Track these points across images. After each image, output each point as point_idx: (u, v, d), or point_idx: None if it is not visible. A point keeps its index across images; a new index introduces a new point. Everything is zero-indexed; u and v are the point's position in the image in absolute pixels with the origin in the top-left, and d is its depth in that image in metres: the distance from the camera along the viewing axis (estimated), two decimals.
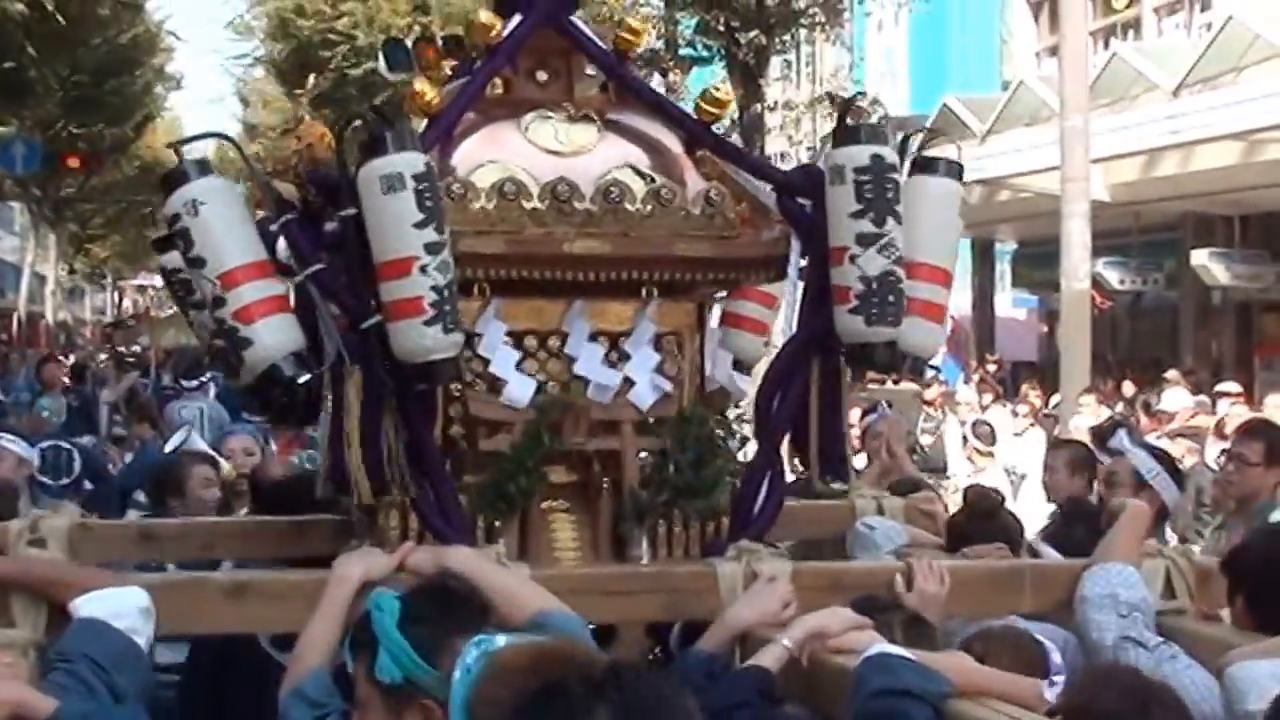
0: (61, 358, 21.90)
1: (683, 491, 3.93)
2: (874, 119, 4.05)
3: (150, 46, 37.15)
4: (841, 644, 3.25)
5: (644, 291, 3.95)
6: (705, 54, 21.36)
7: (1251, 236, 18.47)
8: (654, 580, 3.83)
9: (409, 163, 3.45)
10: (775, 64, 21.21)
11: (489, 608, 3.18)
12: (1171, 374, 16.55)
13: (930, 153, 3.98)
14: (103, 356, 25.12)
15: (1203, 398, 14.05)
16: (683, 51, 21.69)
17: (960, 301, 26.40)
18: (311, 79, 26.02)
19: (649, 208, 3.88)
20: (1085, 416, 13.02)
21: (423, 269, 3.44)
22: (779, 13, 20.41)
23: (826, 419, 3.97)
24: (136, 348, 26.92)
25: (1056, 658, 3.47)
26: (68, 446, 9.82)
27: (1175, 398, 14.54)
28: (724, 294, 4.51)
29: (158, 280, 48.45)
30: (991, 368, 21.09)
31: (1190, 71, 15.88)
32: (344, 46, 26.66)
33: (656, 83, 21.85)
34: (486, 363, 3.89)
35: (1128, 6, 21.63)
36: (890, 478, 5.98)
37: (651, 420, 3.98)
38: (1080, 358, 14.86)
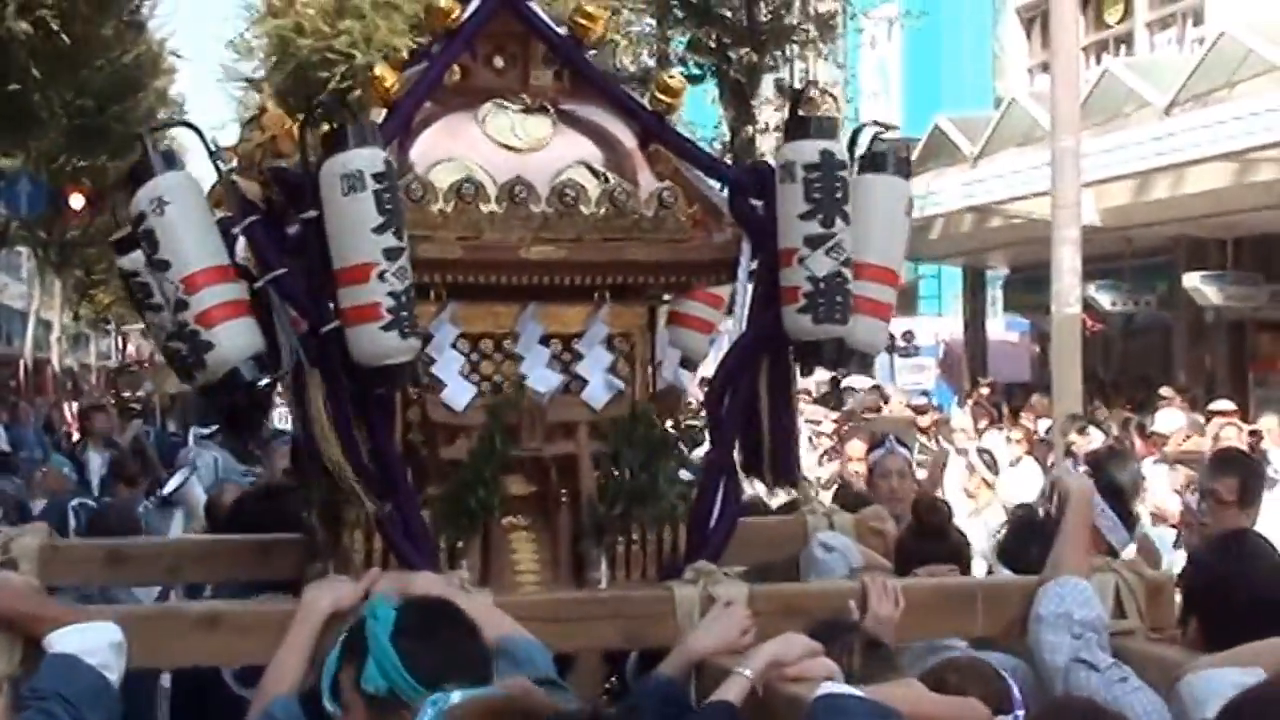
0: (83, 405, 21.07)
1: (635, 498, 3.90)
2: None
3: (153, 68, 37.14)
4: (798, 672, 3.20)
5: (597, 295, 3.94)
6: (697, 71, 21.39)
7: (1244, 259, 18.48)
8: (612, 606, 3.79)
9: (369, 160, 3.44)
10: (767, 84, 21.23)
11: (477, 626, 3.19)
12: (1166, 391, 16.50)
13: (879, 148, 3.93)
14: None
15: (1196, 417, 13.94)
16: (675, 69, 21.68)
17: (952, 327, 26.45)
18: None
19: (603, 210, 3.87)
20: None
21: (381, 275, 3.45)
22: (771, 29, 20.41)
23: (777, 419, 3.96)
24: (141, 393, 26.86)
25: (1016, 693, 3.46)
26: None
27: (1169, 418, 14.44)
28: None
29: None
30: (985, 390, 21.01)
31: (1182, 88, 15.83)
32: (342, 66, 26.68)
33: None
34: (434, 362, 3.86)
35: (1120, 21, 21.64)
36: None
37: (605, 422, 3.96)
38: (1071, 383, 14.78)
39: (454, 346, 3.88)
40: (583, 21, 4.08)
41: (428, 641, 3.04)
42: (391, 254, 3.45)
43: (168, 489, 7.80)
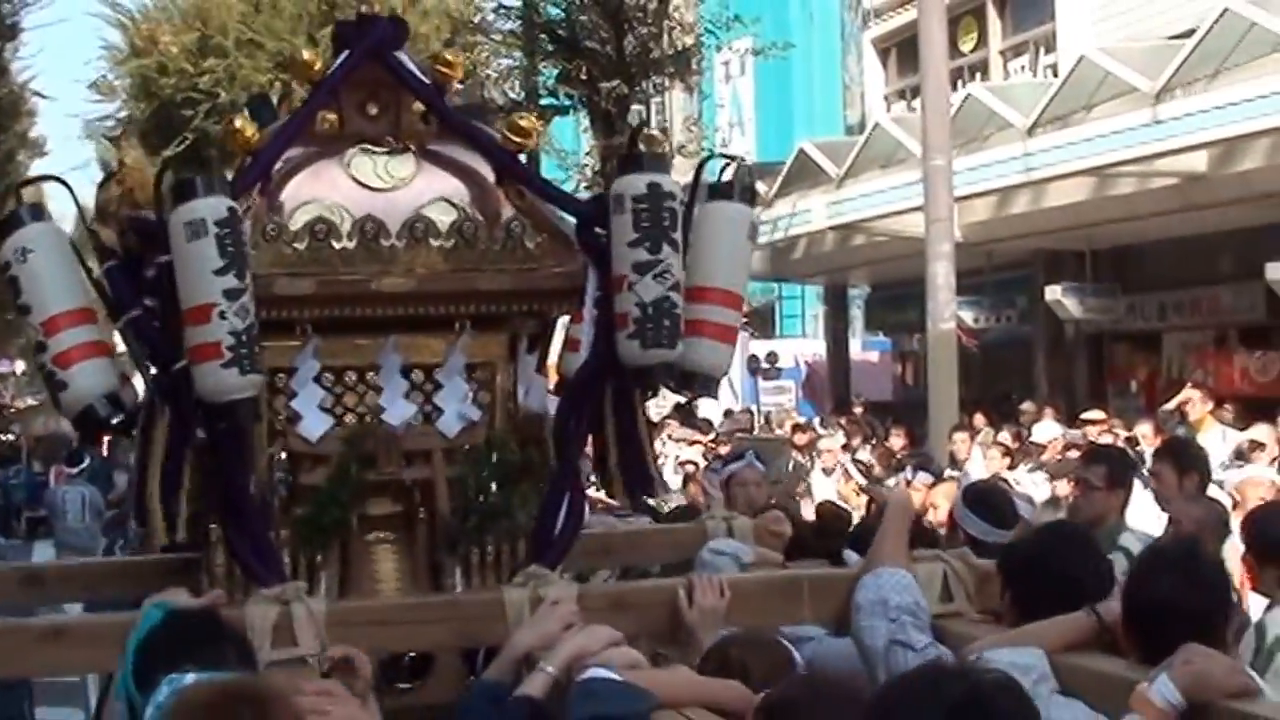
0: None
1: (488, 515, 4.09)
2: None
3: (14, 110, 36.51)
4: (601, 662, 3.35)
5: (456, 325, 4.10)
6: (567, 103, 21.53)
7: (1102, 270, 18.99)
8: (445, 609, 3.98)
9: (212, 208, 3.62)
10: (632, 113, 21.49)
11: (237, 646, 3.27)
12: (1027, 405, 16.92)
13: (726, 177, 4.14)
14: None
15: (1073, 431, 14.26)
16: (544, 101, 21.84)
17: (814, 348, 26.89)
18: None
19: (452, 243, 4.05)
20: (977, 462, 13.28)
21: (221, 314, 3.62)
22: (639, 62, 20.61)
23: (625, 440, 4.16)
24: (9, 437, 26.64)
25: (798, 657, 3.71)
26: None
27: (1046, 429, 14.78)
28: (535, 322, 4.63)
29: (19, 366, 47.53)
30: (859, 410, 21.38)
31: (1045, 110, 16.32)
32: (206, 105, 26.54)
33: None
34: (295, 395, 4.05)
35: (974, 49, 22.20)
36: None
37: (463, 448, 4.15)
38: (948, 398, 15.10)
39: (317, 380, 4.06)
40: (443, 69, 4.27)
41: (165, 652, 3.09)
42: (232, 294, 3.62)
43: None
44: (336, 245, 3.97)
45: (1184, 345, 18.84)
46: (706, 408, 24.61)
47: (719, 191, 4.13)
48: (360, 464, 4.02)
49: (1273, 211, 14.98)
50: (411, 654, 4.04)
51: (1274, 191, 14.40)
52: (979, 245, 17.77)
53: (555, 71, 21.62)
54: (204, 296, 3.62)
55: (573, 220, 4.16)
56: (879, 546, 4.10)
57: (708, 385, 4.16)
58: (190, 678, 2.76)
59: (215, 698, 2.54)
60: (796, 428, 17.62)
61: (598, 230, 4.03)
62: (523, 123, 4.23)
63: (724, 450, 16.64)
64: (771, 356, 25.82)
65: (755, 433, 19.71)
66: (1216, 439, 11.57)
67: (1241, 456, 10.49)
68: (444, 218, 4.09)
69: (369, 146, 4.19)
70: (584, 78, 20.69)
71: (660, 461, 14.47)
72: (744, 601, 4.03)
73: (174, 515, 3.81)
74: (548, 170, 21.17)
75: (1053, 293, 18.49)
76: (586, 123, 21.86)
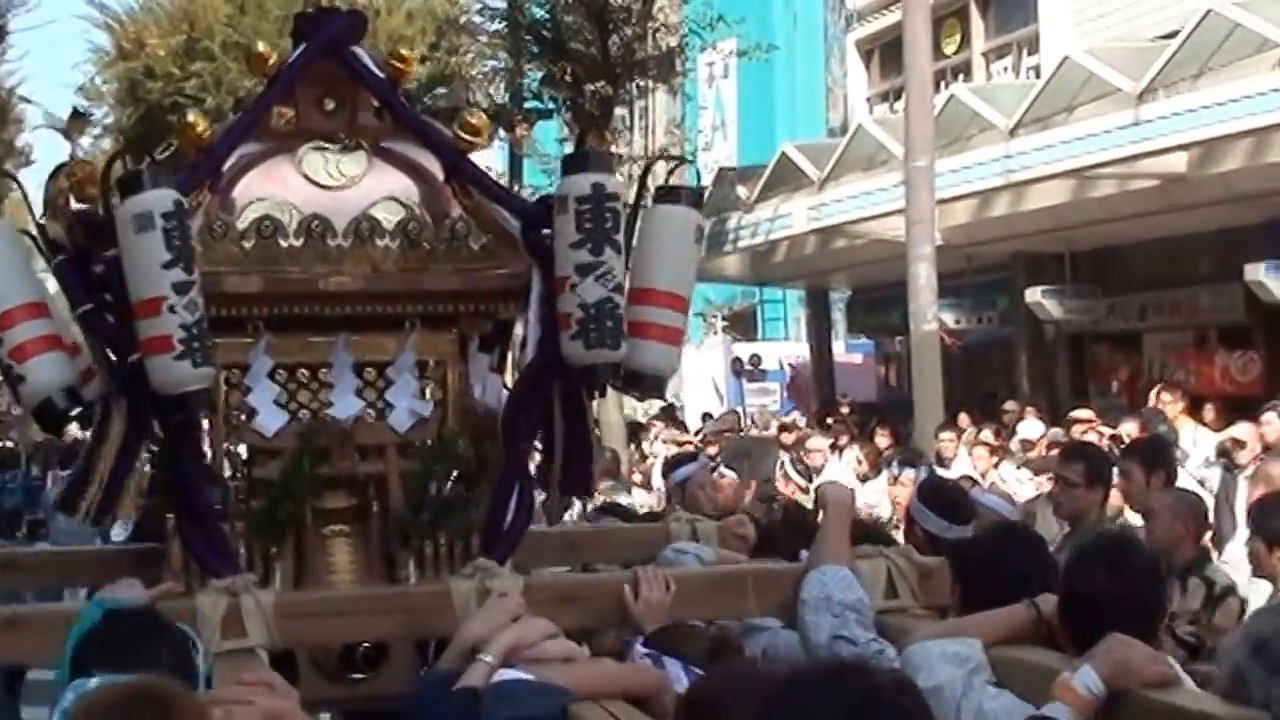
0: None
1: (442, 511, 4.15)
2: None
3: (2, 118, 36.46)
4: (537, 654, 3.43)
5: (406, 323, 4.15)
6: (551, 105, 21.52)
7: (1081, 272, 19.00)
8: (394, 601, 4.05)
9: (159, 201, 3.67)
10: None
11: (173, 646, 3.28)
12: (1009, 405, 16.94)
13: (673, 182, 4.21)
14: None
15: (1057, 430, 14.27)
16: (529, 104, 21.83)
17: (797, 350, 26.93)
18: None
19: (397, 243, 4.11)
20: (963, 461, 13.32)
21: (171, 308, 3.68)
22: (624, 63, 20.60)
23: (572, 436, 4.20)
24: (7, 443, 26.87)
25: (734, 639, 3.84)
26: None
27: (1031, 428, 14.80)
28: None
29: None
30: (845, 410, 21.37)
31: (1027, 111, 16.33)
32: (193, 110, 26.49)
33: (501, 138, 21.95)
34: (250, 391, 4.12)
35: (957, 51, 22.23)
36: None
37: (418, 444, 4.21)
38: (932, 399, 15.07)
39: (270, 376, 4.12)
40: (398, 64, 4.31)
41: (101, 648, 3.15)
42: (180, 288, 3.69)
43: None
44: (283, 243, 4.04)
45: (1164, 345, 18.87)
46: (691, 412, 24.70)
47: (666, 195, 4.18)
48: (313, 458, 4.08)
49: (1253, 212, 15.01)
50: (365, 645, 4.10)
51: (1254, 193, 14.42)
52: (959, 248, 17.79)
53: (540, 74, 21.61)
54: (153, 290, 3.68)
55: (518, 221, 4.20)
56: (821, 544, 4.17)
57: (655, 386, 4.22)
58: (94, 681, 2.79)
59: (117, 700, 2.55)
60: (784, 427, 17.67)
61: (544, 231, 4.07)
62: (474, 120, 4.26)
63: (712, 451, 16.80)
64: (755, 359, 25.84)
65: (741, 433, 19.78)
66: (1188, 439, 11.64)
67: (1225, 454, 10.52)
68: (391, 217, 4.14)
69: (322, 144, 4.23)
70: (569, 79, 20.67)
71: (650, 463, 14.58)
72: (689, 595, 4.09)
73: (112, 505, 3.92)
74: (530, 175, 21.21)
75: (1033, 294, 18.51)
76: (567, 131, 21.76)
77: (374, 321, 4.16)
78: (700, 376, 27.74)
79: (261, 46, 4.31)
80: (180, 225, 3.68)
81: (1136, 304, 18.81)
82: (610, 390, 4.42)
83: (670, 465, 9.19)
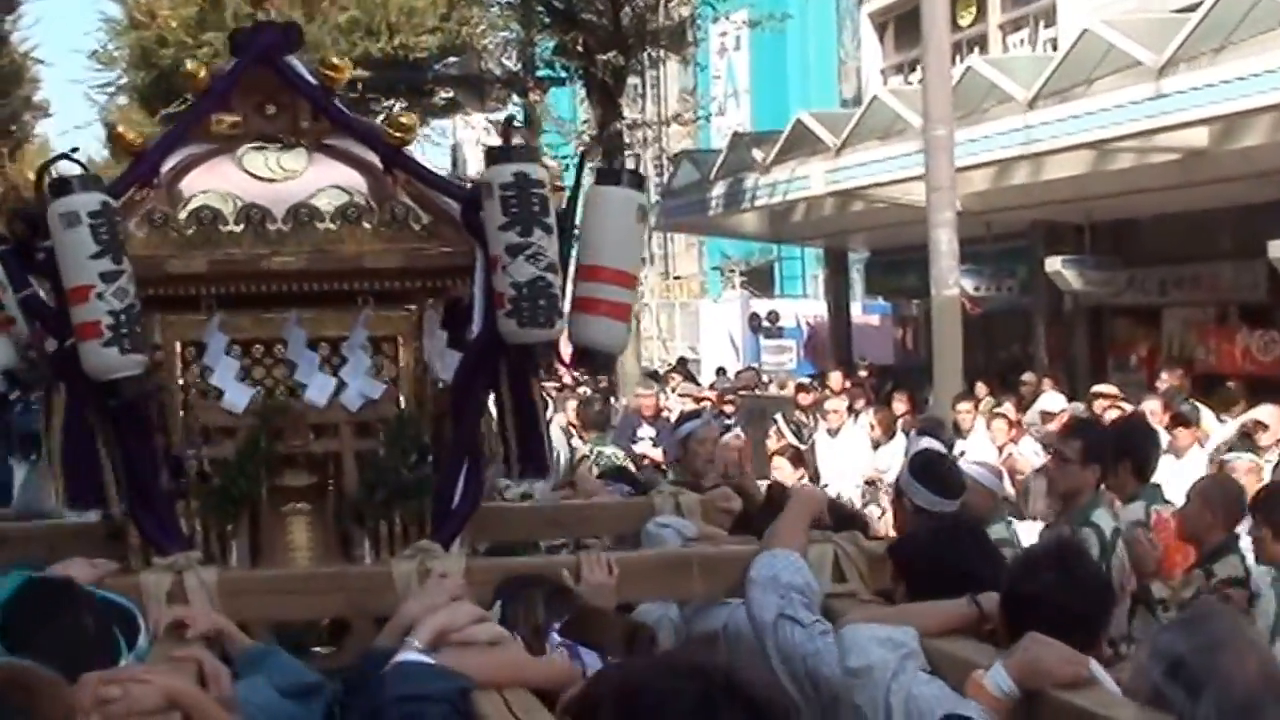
0: None
1: (397, 491, 4.24)
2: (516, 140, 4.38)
3: (17, 77, 36.77)
4: (465, 638, 3.42)
5: (360, 300, 4.29)
6: (563, 74, 21.45)
7: (1100, 243, 18.86)
8: (336, 580, 4.15)
9: (85, 202, 3.86)
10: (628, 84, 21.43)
11: (99, 620, 3.31)
12: (1027, 376, 16.85)
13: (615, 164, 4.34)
14: None
15: (1078, 405, 14.17)
16: (541, 73, 21.76)
17: (815, 309, 26.84)
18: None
19: (336, 225, 4.25)
20: (980, 433, 13.24)
21: (99, 295, 3.84)
22: (635, 33, 20.52)
23: (520, 414, 4.29)
24: None
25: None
26: None
27: (1052, 400, 14.73)
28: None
29: None
30: (863, 373, 21.27)
31: (1046, 83, 16.17)
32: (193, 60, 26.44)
33: (515, 103, 21.88)
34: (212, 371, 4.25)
35: (973, 24, 22.07)
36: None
37: (372, 422, 4.30)
38: (952, 364, 14.98)
39: (227, 353, 4.26)
40: (329, 72, 4.52)
41: (28, 614, 3.17)
42: (108, 277, 3.84)
43: None
44: (223, 228, 4.18)
45: (1185, 321, 18.71)
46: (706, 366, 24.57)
47: (606, 176, 4.30)
48: (268, 437, 4.20)
49: (1275, 189, 14.86)
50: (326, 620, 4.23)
51: (1276, 169, 14.27)
52: (978, 215, 17.67)
53: (552, 44, 21.53)
54: (82, 278, 3.84)
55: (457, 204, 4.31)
56: (777, 529, 4.22)
57: (605, 362, 4.32)
58: None
59: None
60: (800, 387, 17.59)
61: (480, 213, 4.14)
62: (403, 119, 4.49)
63: (728, 409, 16.75)
64: (773, 315, 25.74)
65: (757, 391, 19.74)
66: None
67: (1248, 436, 10.41)
68: (333, 202, 4.28)
69: (261, 144, 4.44)
70: (580, 49, 20.59)
71: (665, 415, 14.48)
72: (633, 577, 4.19)
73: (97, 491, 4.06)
74: (547, 140, 21.12)
75: (1052, 264, 18.38)
76: (584, 93, 21.71)
77: (326, 298, 4.28)
78: (717, 330, 27.70)
79: (190, 65, 4.68)
80: (108, 221, 3.85)
81: (1157, 278, 18.63)
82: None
83: (679, 421, 9.14)
